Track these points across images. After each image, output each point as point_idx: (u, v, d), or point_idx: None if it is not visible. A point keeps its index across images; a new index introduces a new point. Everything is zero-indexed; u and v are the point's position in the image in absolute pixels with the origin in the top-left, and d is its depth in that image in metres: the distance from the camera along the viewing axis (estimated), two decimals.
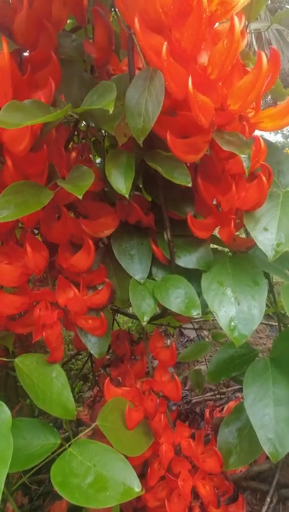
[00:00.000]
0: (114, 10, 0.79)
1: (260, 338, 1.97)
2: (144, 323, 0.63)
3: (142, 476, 0.72)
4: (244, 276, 0.65)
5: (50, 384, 0.61)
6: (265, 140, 0.63)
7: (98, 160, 0.75)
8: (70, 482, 0.52)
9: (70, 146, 0.79)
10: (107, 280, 0.68)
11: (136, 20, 0.48)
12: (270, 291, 0.77)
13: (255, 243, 0.61)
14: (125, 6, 0.52)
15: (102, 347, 0.69)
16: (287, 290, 0.65)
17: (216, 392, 1.52)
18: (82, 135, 0.85)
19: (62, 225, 0.63)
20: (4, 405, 0.47)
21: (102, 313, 0.66)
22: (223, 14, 0.51)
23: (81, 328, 0.68)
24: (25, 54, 0.64)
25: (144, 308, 0.64)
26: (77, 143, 0.86)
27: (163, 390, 0.74)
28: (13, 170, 0.55)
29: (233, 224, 0.64)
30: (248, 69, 0.58)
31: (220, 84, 0.52)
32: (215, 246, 0.75)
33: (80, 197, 0.51)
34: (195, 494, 0.73)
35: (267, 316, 1.20)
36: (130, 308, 0.97)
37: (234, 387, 1.53)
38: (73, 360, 1.66)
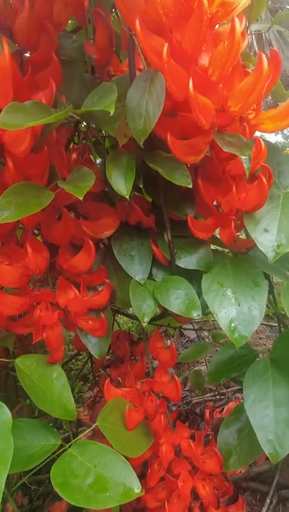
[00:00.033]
0: (115, 11, 0.79)
1: (260, 338, 1.97)
2: (144, 324, 0.63)
3: (142, 476, 0.72)
4: (244, 277, 0.65)
5: (51, 385, 0.61)
6: (265, 141, 0.63)
7: (98, 160, 0.75)
8: (70, 483, 0.52)
9: (70, 146, 0.79)
10: (107, 281, 0.68)
11: (137, 21, 0.48)
12: (271, 292, 0.77)
13: (256, 244, 0.61)
14: (126, 7, 0.52)
15: (102, 348, 0.69)
16: (288, 291, 0.65)
17: (216, 393, 1.52)
18: (83, 136, 0.85)
19: (62, 225, 0.63)
20: (5, 406, 0.47)
21: (102, 314, 0.67)
22: (224, 16, 0.51)
23: (81, 329, 0.68)
24: (26, 55, 0.64)
25: (145, 309, 0.64)
26: (77, 143, 0.86)
27: (163, 390, 0.74)
28: (13, 171, 0.55)
29: (233, 225, 0.64)
30: (249, 70, 0.58)
31: (220, 85, 0.52)
32: (215, 247, 0.75)
33: (81, 198, 0.51)
34: (195, 495, 0.73)
35: (267, 316, 1.20)
36: (130, 309, 0.97)
37: (234, 388, 1.53)
38: (73, 360, 1.66)
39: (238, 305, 0.62)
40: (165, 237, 0.67)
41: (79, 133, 0.83)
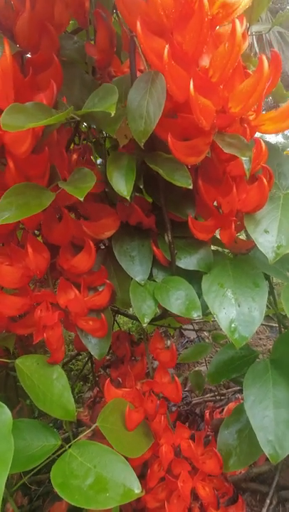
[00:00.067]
0: (116, 12, 0.79)
1: (260, 339, 1.97)
2: (144, 325, 0.63)
3: (142, 477, 0.72)
4: (244, 278, 0.66)
5: (51, 385, 0.61)
6: (266, 142, 0.63)
7: (99, 161, 0.75)
8: (70, 483, 0.52)
9: (71, 147, 0.79)
10: (107, 281, 0.68)
11: (138, 23, 0.49)
12: (271, 292, 0.77)
13: (256, 245, 0.61)
14: (127, 8, 0.52)
15: (102, 348, 0.69)
16: (288, 292, 0.65)
17: (216, 394, 1.52)
18: (84, 136, 0.85)
19: (63, 226, 0.63)
20: (5, 407, 0.47)
21: (102, 315, 0.67)
22: (225, 17, 0.51)
23: (82, 330, 0.68)
24: (27, 56, 0.64)
25: (145, 309, 0.64)
26: (78, 144, 0.86)
27: (163, 391, 0.74)
28: (14, 172, 0.55)
29: (233, 226, 0.64)
30: (250, 71, 0.58)
31: (221, 86, 0.52)
32: (215, 248, 0.75)
33: (82, 199, 0.51)
34: (195, 495, 0.73)
35: (267, 317, 1.20)
36: (130, 309, 0.97)
37: (234, 389, 1.53)
38: (73, 360, 1.66)
39: (239, 306, 0.62)
40: (165, 237, 0.67)
41: (80, 134, 0.83)
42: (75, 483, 0.52)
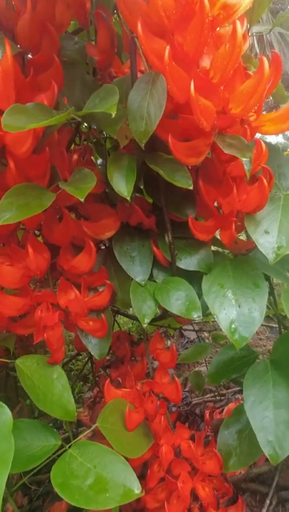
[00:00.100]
0: (117, 12, 0.79)
1: (260, 339, 1.97)
2: (144, 325, 0.63)
3: (142, 477, 0.72)
4: (245, 279, 0.66)
5: (51, 386, 0.61)
6: (266, 143, 0.63)
7: (100, 161, 0.76)
8: (70, 483, 0.52)
9: (72, 148, 0.79)
10: (108, 282, 0.68)
11: (138, 23, 0.49)
12: (271, 293, 0.78)
13: (256, 246, 0.62)
14: (128, 9, 0.52)
15: (102, 348, 0.69)
16: (288, 292, 0.65)
17: (216, 394, 1.52)
18: (84, 137, 0.85)
19: (63, 226, 0.63)
20: (5, 407, 0.47)
21: (103, 315, 0.67)
22: (226, 18, 0.51)
23: (82, 330, 0.68)
24: (28, 56, 0.64)
25: (145, 310, 0.64)
26: (78, 145, 0.86)
27: (163, 391, 0.74)
28: (15, 172, 0.55)
29: (234, 226, 0.64)
30: (250, 72, 0.58)
31: (222, 88, 0.52)
32: (216, 248, 0.75)
33: (82, 199, 0.51)
34: (194, 496, 0.73)
35: (267, 317, 1.20)
36: (131, 310, 0.97)
37: (234, 389, 1.53)
38: (73, 360, 1.66)
39: (239, 306, 0.62)
40: (166, 238, 0.67)
41: (80, 134, 0.83)
42: (75, 484, 0.52)
